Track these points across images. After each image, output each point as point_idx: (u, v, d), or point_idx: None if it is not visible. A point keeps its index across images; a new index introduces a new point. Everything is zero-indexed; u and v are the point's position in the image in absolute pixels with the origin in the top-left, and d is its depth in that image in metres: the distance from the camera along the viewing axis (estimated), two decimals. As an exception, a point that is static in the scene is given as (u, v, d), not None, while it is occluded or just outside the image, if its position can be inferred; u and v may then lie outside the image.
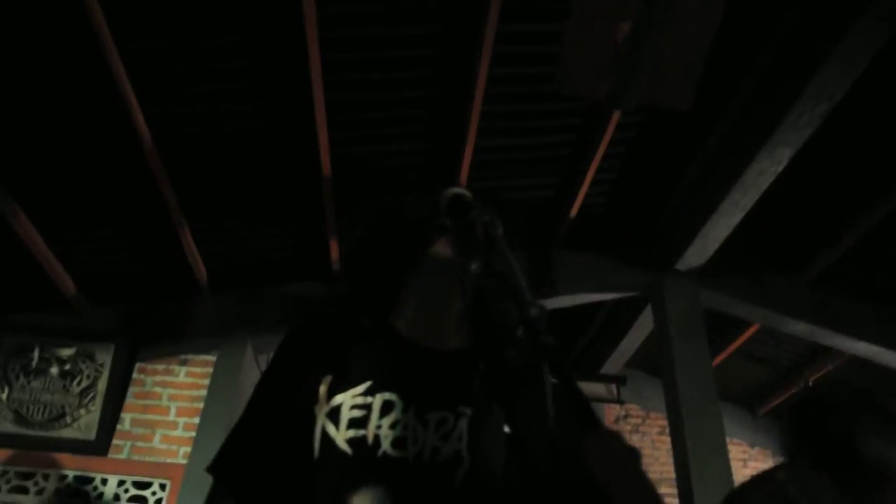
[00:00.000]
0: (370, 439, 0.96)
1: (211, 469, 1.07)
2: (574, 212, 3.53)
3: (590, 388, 4.62)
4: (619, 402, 4.69)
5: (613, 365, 4.63)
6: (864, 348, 3.88)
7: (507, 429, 1.04)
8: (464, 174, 3.14)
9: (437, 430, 0.99)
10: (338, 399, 1.00)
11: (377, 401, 1.00)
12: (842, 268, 3.69)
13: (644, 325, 4.10)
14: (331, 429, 0.98)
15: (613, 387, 4.63)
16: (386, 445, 0.96)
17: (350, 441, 0.96)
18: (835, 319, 3.79)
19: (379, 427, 0.97)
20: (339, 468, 0.95)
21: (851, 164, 3.20)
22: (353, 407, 0.99)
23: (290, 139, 2.90)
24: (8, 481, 3.24)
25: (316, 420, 0.99)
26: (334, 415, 0.98)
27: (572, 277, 3.74)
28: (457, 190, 1.09)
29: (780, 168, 2.92)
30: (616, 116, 2.99)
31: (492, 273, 0.99)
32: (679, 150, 3.37)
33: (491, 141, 3.14)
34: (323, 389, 1.01)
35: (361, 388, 1.00)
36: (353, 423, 0.98)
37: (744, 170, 2.95)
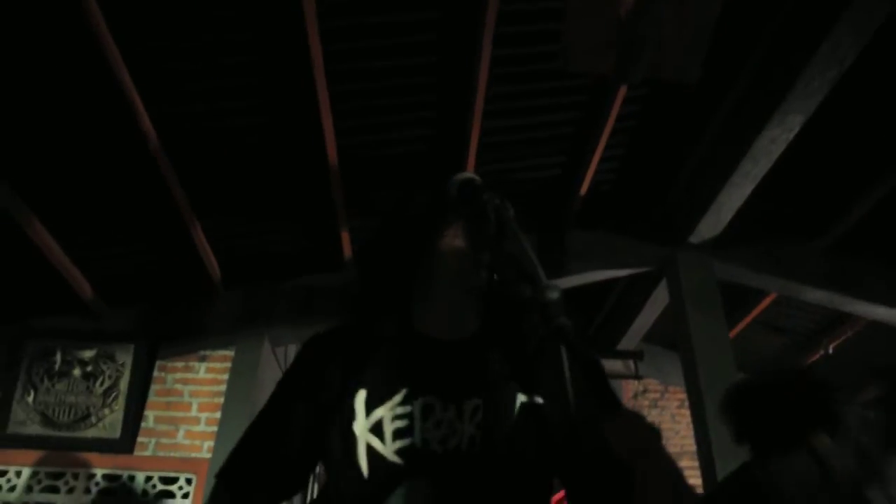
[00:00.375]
0: (419, 445, 0.97)
1: (219, 476, 1.08)
2: (584, 190, 3.50)
3: (607, 364, 4.62)
4: (638, 377, 4.69)
5: (630, 340, 4.62)
6: (883, 313, 3.84)
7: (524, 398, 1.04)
8: (471, 158, 3.12)
9: (471, 418, 0.99)
10: (378, 413, 1.00)
11: (417, 407, 1.00)
12: (857, 234, 3.65)
13: (659, 299, 4.08)
14: (377, 444, 0.98)
15: (631, 362, 4.63)
16: (433, 446, 0.97)
17: (399, 452, 0.97)
18: (852, 285, 3.75)
19: (424, 431, 0.98)
20: (393, 480, 0.95)
21: (864, 128, 3.15)
22: (395, 418, 0.99)
23: (296, 132, 2.89)
24: (39, 482, 3.30)
25: (357, 439, 0.98)
26: (377, 430, 0.98)
27: (585, 256, 3.73)
28: (465, 175, 1.08)
29: (792, 136, 2.88)
30: (623, 91, 2.95)
31: (505, 256, 0.99)
32: (688, 122, 3.33)
33: (497, 123, 3.11)
34: (359, 406, 1.01)
35: (399, 397, 1.00)
36: (399, 434, 0.98)
37: (755, 139, 2.91)
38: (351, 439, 0.99)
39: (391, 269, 1.14)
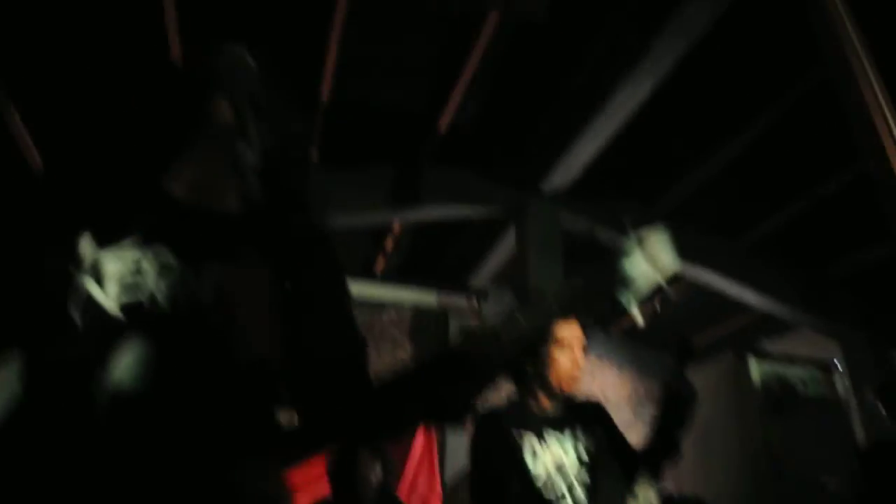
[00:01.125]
0: (145, 301, 0.92)
1: None
2: (444, 127, 3.45)
3: (452, 300, 4.72)
4: (479, 315, 4.79)
5: (480, 279, 4.73)
6: (711, 278, 4.14)
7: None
8: (327, 79, 2.97)
9: (207, 285, 0.96)
10: (106, 263, 0.93)
11: (151, 262, 0.95)
12: (696, 200, 3.87)
13: (509, 242, 4.17)
14: (98, 294, 0.91)
15: (475, 300, 4.73)
16: (159, 305, 0.93)
17: (123, 307, 0.91)
18: (685, 249, 3.97)
19: (153, 287, 0.93)
20: (112, 335, 0.89)
21: (712, 97, 3.28)
22: (125, 272, 0.93)
23: (138, 30, 2.64)
24: None
25: (79, 288, 0.92)
26: (101, 279, 0.92)
27: (440, 193, 3.72)
28: (235, 49, 1.09)
29: (644, 97, 2.97)
30: (490, 29, 2.89)
31: (261, 137, 1.05)
32: (552, 71, 3.32)
33: (358, 48, 2.97)
34: (87, 254, 0.94)
35: (134, 251, 0.95)
36: (126, 288, 0.92)
37: (609, 96, 2.99)
38: (72, 288, 0.92)
39: (155, 128, 1.11)
